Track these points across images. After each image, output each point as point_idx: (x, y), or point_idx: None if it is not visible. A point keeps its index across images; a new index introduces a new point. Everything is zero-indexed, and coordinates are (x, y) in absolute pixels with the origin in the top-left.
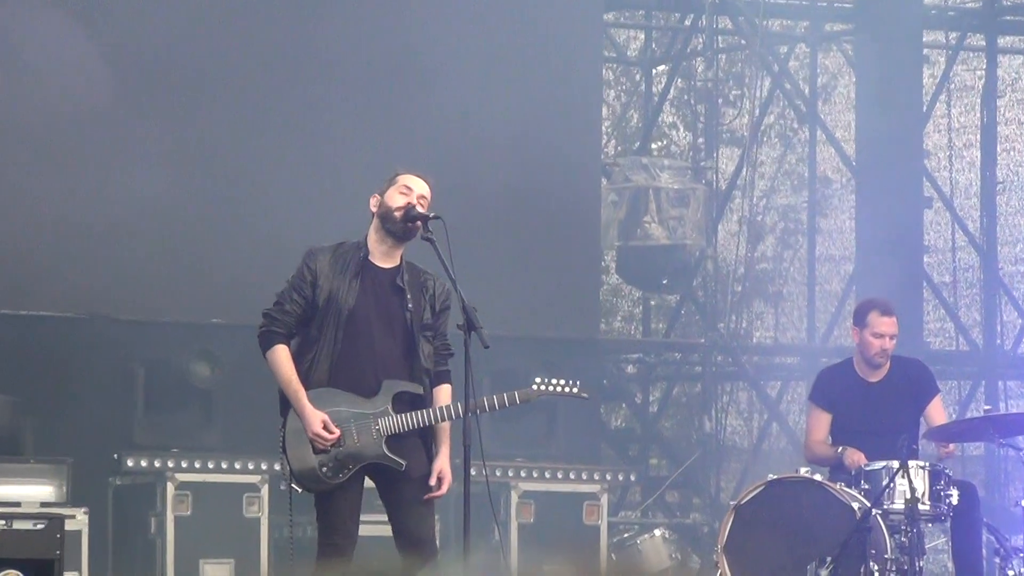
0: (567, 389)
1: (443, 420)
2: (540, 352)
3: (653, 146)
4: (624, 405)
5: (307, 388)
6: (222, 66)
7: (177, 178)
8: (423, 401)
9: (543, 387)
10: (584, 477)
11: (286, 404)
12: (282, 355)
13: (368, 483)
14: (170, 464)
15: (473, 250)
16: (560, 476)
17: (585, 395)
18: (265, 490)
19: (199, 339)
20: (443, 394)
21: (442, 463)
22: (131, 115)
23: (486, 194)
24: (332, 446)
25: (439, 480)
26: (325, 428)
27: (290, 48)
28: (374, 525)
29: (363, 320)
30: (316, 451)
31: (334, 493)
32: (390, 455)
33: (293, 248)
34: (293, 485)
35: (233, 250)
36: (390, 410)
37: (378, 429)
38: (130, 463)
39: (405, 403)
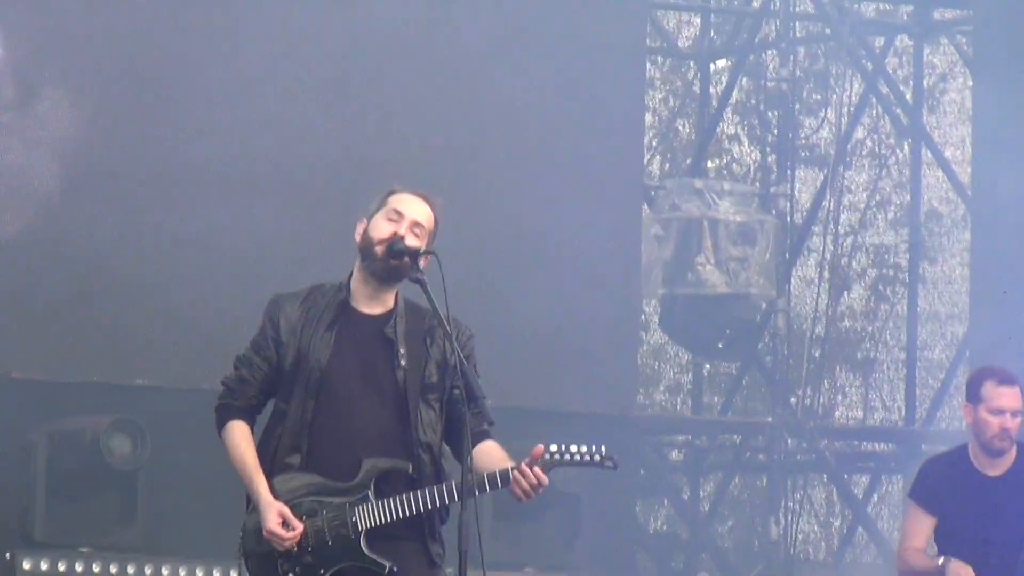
0: (589, 457)
1: (434, 503)
2: (559, 430)
3: (710, 164)
4: (667, 502)
5: (275, 474)
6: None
7: (91, 199)
8: (419, 485)
9: (558, 456)
10: None
11: None
12: (236, 434)
13: None
14: (78, 568)
15: (476, 297)
16: None
17: (611, 464)
18: None
19: (118, 405)
20: (482, 451)
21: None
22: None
23: (492, 223)
24: (299, 546)
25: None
26: (284, 524)
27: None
28: None
29: (340, 382)
30: (279, 553)
31: None
32: (369, 555)
33: (243, 291)
34: None
35: (163, 293)
36: (370, 496)
37: (354, 522)
38: (26, 566)
39: (397, 487)
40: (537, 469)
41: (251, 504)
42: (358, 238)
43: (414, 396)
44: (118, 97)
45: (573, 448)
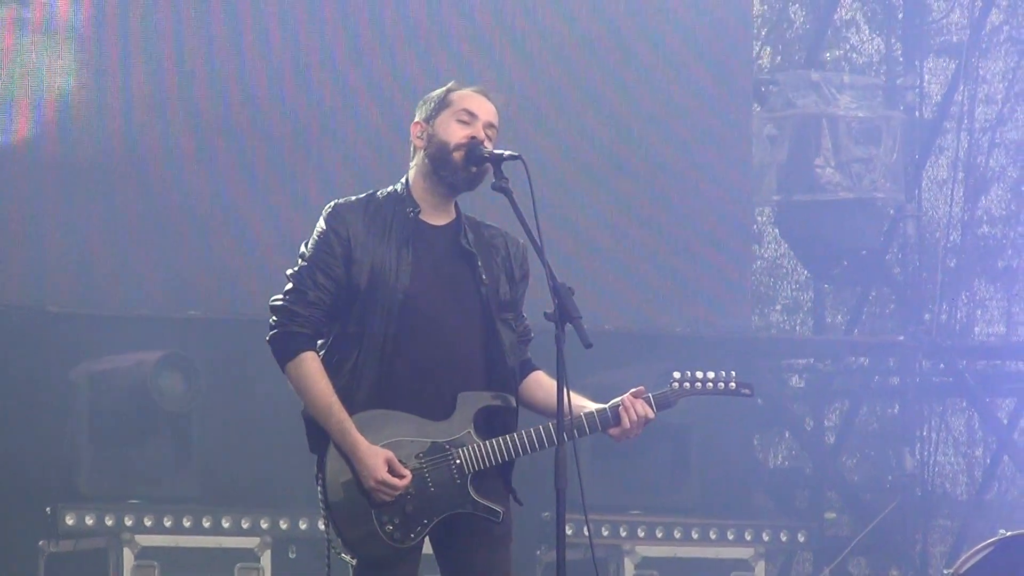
0: (723, 384)
1: (541, 444)
2: (663, 355)
3: (827, 55)
4: (788, 434)
5: (353, 412)
6: None
7: (145, 124)
8: (511, 420)
9: (687, 384)
10: (731, 537)
11: (321, 436)
12: (312, 367)
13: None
14: (128, 522)
15: (565, 207)
16: (696, 536)
17: (747, 391)
18: (266, 558)
19: (168, 340)
20: (543, 384)
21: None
22: None
23: (585, 126)
24: (398, 495)
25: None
26: (390, 471)
27: None
28: None
29: (424, 305)
30: (374, 503)
31: (396, 565)
32: (481, 501)
33: (299, 215)
34: (345, 556)
35: (217, 214)
36: (472, 435)
37: (459, 465)
38: (70, 521)
39: (493, 423)
40: (642, 402)
41: (327, 448)
42: (419, 143)
43: (496, 316)
44: None
45: (700, 375)
